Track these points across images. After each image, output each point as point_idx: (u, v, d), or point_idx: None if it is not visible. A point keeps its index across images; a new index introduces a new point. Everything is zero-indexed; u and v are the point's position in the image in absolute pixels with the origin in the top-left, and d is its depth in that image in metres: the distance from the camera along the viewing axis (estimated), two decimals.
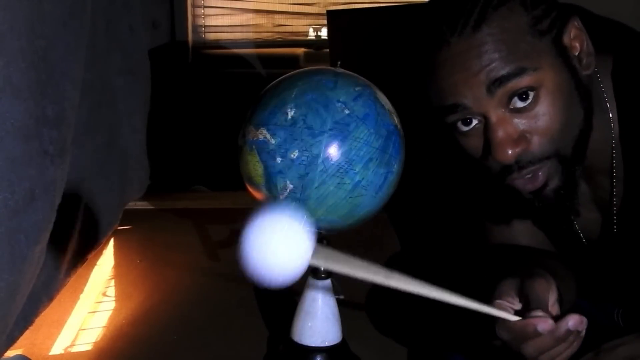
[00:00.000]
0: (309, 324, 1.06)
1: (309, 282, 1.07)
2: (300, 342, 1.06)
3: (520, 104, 0.75)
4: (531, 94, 0.75)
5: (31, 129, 0.97)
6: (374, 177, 0.94)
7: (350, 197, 0.94)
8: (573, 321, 0.67)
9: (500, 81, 0.74)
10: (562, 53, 0.78)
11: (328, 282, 1.07)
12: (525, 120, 0.75)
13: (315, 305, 1.06)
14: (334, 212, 0.95)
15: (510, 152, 0.75)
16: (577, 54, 0.79)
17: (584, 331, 0.70)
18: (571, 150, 0.78)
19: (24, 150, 0.95)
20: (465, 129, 0.79)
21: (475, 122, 0.78)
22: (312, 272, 1.07)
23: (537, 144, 0.76)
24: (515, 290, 0.74)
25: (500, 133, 0.75)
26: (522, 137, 0.76)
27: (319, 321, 1.06)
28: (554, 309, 0.71)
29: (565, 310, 0.73)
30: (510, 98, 0.75)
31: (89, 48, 1.31)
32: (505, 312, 0.70)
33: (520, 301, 0.73)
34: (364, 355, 1.16)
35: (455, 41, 0.75)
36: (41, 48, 1.00)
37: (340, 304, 1.09)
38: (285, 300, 1.43)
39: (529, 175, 0.77)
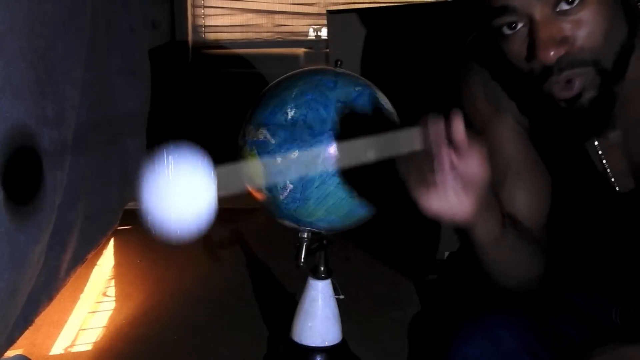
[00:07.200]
0: (309, 324, 1.06)
1: (309, 282, 1.07)
2: (300, 342, 1.06)
3: (566, 7, 0.77)
4: None
5: (31, 129, 0.97)
6: None
7: (350, 197, 0.94)
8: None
9: None
10: None
11: (328, 282, 1.07)
12: (569, 25, 0.78)
13: (315, 305, 1.06)
14: (334, 212, 0.95)
15: (552, 52, 0.77)
16: None
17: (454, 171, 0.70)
18: (612, 64, 0.80)
19: None
20: (510, 32, 0.81)
21: (520, 25, 0.80)
22: (312, 271, 1.07)
23: (578, 48, 0.78)
24: None
25: (544, 33, 0.78)
26: (564, 40, 0.78)
27: (319, 321, 1.06)
28: None
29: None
30: (557, 0, 0.77)
31: (89, 48, 1.31)
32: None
33: None
34: (364, 355, 1.16)
35: None
36: (41, 48, 1.00)
37: (340, 304, 1.09)
38: (285, 300, 1.43)
39: (566, 81, 0.79)
